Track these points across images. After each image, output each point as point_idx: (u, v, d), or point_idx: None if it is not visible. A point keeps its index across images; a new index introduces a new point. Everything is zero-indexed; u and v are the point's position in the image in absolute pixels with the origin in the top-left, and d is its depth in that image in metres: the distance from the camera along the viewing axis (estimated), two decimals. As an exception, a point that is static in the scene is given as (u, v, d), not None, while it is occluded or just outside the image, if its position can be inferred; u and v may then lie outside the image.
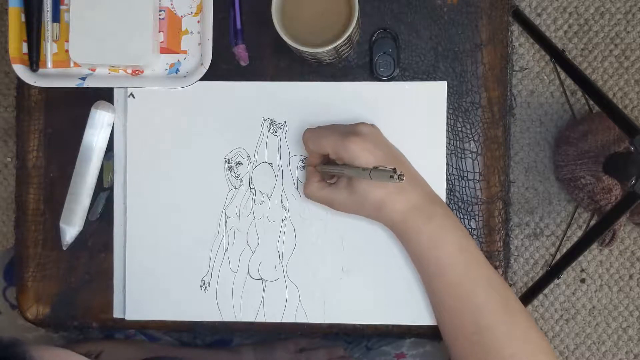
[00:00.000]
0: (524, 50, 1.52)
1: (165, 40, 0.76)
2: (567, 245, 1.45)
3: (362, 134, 0.67)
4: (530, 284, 1.49)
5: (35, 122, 0.78)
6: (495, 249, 0.76)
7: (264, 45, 0.77)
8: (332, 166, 0.70)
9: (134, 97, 0.77)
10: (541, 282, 1.41)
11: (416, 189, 0.69)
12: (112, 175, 0.77)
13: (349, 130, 0.68)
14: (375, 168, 0.62)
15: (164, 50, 0.76)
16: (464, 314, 0.68)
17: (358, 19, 0.69)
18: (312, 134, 0.70)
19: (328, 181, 0.72)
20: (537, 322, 1.54)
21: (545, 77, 1.52)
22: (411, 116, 0.75)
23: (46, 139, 0.78)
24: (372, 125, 0.70)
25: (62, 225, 0.77)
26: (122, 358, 0.82)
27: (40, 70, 0.76)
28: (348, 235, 0.76)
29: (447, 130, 0.75)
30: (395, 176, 0.59)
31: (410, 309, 0.75)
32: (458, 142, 0.76)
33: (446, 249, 0.68)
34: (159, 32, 0.76)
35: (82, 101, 0.77)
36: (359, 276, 0.76)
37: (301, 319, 0.76)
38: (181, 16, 0.76)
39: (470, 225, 0.75)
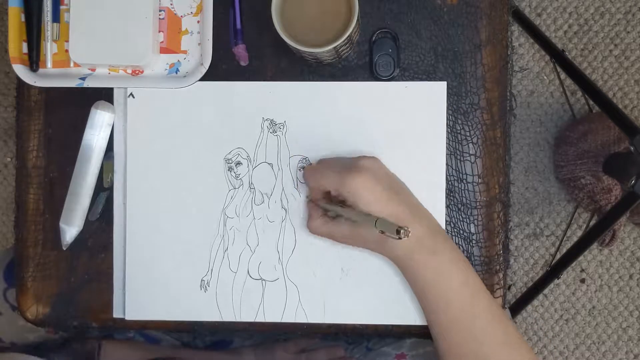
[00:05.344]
0: (524, 50, 1.52)
1: (165, 40, 0.76)
2: (567, 245, 1.45)
3: (361, 169, 0.67)
4: (530, 284, 1.49)
5: (35, 122, 0.78)
6: (495, 252, 0.76)
7: (264, 45, 0.77)
8: (337, 207, 0.69)
9: (134, 97, 0.77)
10: (541, 282, 1.41)
11: (420, 223, 0.68)
12: (112, 175, 0.77)
13: (349, 166, 0.68)
14: (380, 219, 0.63)
15: (163, 50, 0.76)
16: (466, 345, 0.68)
17: (358, 19, 0.69)
18: (312, 173, 0.71)
19: (329, 214, 0.72)
20: (537, 322, 1.54)
21: (545, 77, 1.52)
22: (411, 116, 0.75)
23: (46, 139, 0.78)
24: (373, 158, 0.70)
25: (62, 225, 0.77)
26: (123, 358, 0.82)
27: (40, 70, 0.76)
28: (348, 236, 0.76)
29: (447, 132, 0.75)
30: (401, 232, 0.60)
31: (410, 309, 0.75)
32: (457, 145, 0.76)
33: (451, 284, 0.68)
34: (159, 32, 0.76)
35: (82, 101, 0.77)
36: (359, 276, 0.76)
37: (301, 319, 0.76)
38: (181, 16, 0.76)
39: (470, 229, 0.75)
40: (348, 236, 0.70)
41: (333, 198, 0.70)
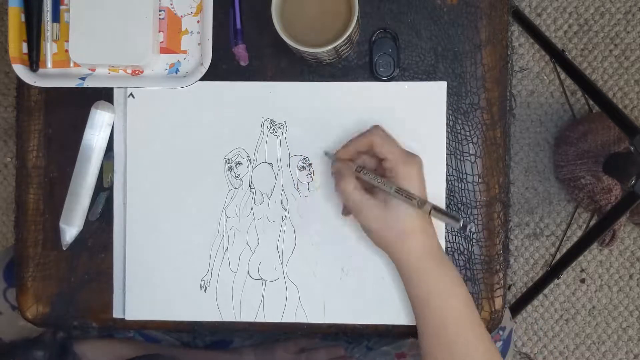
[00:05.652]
0: (524, 50, 1.52)
1: (165, 40, 0.76)
2: (567, 245, 1.45)
3: (420, 162, 0.68)
4: (530, 284, 1.49)
5: (35, 122, 0.78)
6: (495, 252, 0.76)
7: (264, 45, 0.77)
8: (382, 179, 0.67)
9: (133, 97, 0.77)
10: (541, 282, 1.41)
11: (434, 235, 0.69)
12: (112, 175, 0.77)
13: (411, 153, 0.68)
14: (437, 207, 0.64)
15: (163, 50, 0.76)
16: None
17: (358, 19, 0.69)
18: (384, 133, 0.69)
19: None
20: (537, 322, 1.54)
21: (545, 77, 1.52)
22: (411, 116, 0.75)
23: (46, 139, 0.78)
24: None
25: (62, 225, 0.77)
26: (114, 355, 0.82)
27: (40, 70, 0.76)
28: (348, 235, 0.76)
29: (447, 132, 0.75)
30: (463, 224, 0.63)
31: (410, 309, 0.75)
32: (457, 144, 0.76)
33: (453, 302, 0.68)
34: (159, 32, 0.76)
35: (82, 101, 0.77)
36: (359, 276, 0.76)
37: (301, 319, 0.76)
38: (181, 16, 0.76)
39: (470, 229, 0.75)
40: (375, 215, 0.67)
41: (374, 171, 0.69)
